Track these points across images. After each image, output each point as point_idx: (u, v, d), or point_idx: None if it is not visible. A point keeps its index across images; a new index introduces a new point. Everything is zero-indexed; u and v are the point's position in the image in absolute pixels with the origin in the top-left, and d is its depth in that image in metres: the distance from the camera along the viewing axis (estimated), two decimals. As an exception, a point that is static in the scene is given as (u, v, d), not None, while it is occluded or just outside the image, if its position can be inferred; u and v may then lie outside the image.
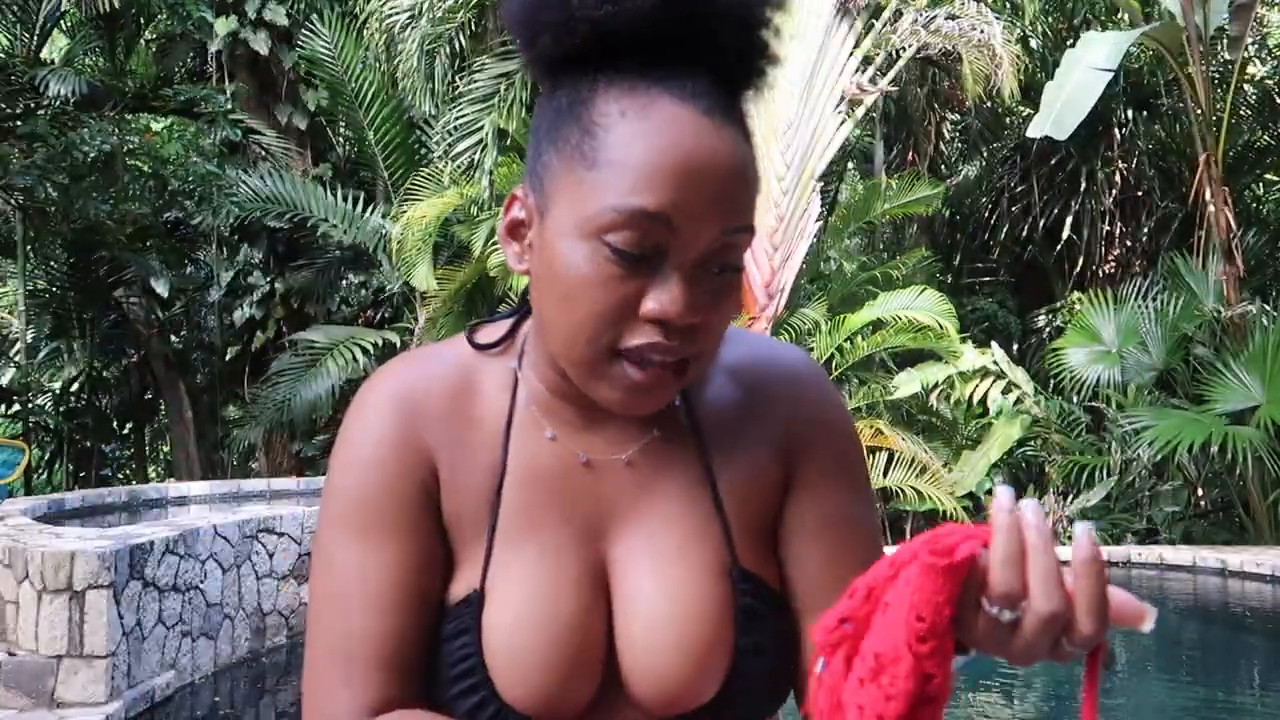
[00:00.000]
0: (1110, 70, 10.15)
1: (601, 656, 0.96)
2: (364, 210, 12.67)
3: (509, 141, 10.72)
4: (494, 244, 11.03)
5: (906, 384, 11.08)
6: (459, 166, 10.77)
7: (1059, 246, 14.45)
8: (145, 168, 10.68)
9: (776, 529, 1.02)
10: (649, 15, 0.86)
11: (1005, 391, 11.26)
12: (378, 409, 0.98)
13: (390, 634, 0.92)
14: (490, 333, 1.04)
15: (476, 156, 10.48)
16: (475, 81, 10.72)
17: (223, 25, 12.60)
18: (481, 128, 10.43)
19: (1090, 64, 10.07)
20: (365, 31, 12.09)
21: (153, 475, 16.02)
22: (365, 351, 12.42)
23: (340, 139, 14.09)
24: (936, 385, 11.23)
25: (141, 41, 12.63)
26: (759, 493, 1.01)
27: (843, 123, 10.36)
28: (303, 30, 12.49)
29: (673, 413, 1.01)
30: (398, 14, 11.00)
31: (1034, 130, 10.29)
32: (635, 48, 0.88)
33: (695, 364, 0.91)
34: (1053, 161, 14.44)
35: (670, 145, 0.85)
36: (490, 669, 0.94)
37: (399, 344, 12.88)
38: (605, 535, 0.98)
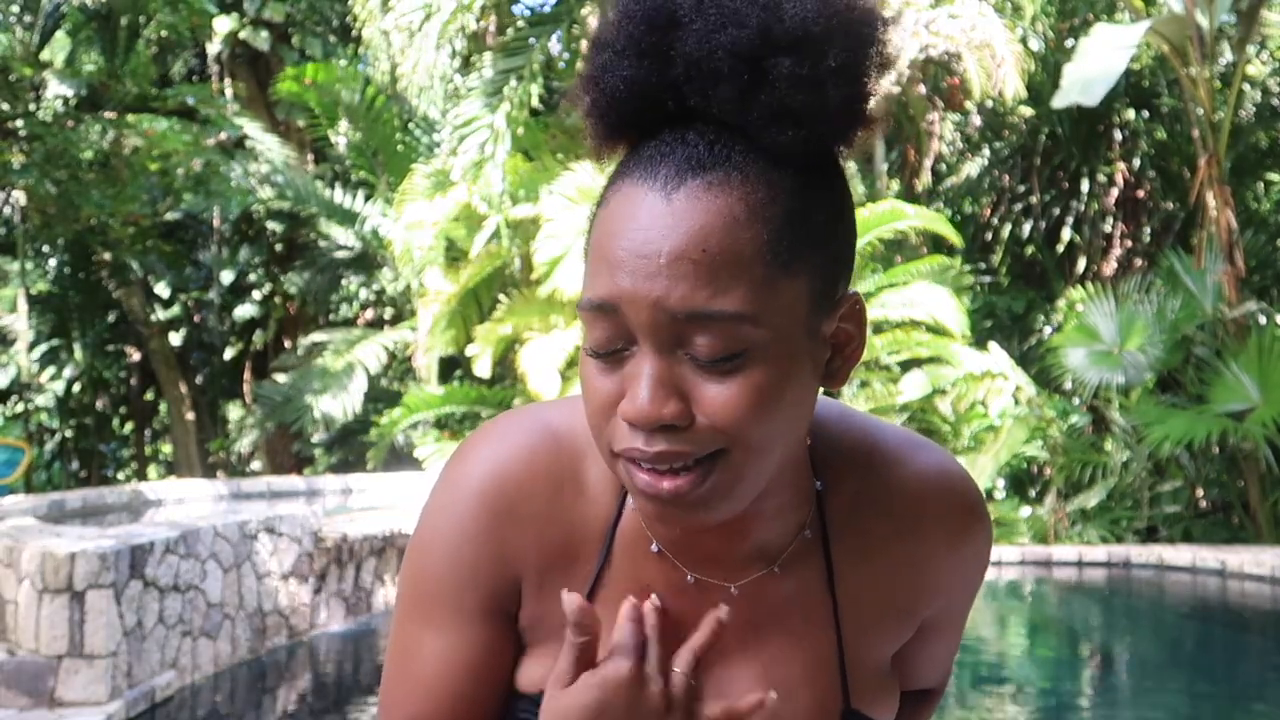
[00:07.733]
0: (1132, 48, 10.23)
1: None
2: (365, 205, 12.66)
3: (517, 135, 10.70)
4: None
5: (915, 387, 10.96)
6: (464, 165, 10.75)
7: (1059, 247, 14.45)
8: (150, 165, 10.69)
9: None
10: (625, 91, 0.80)
11: (1014, 395, 11.20)
12: (466, 501, 0.90)
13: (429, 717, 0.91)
14: None
15: (487, 150, 10.46)
16: (481, 77, 10.71)
17: (223, 24, 12.61)
18: (490, 123, 10.42)
19: (1110, 42, 10.20)
20: (364, 33, 12.09)
21: (153, 475, 16.03)
22: (371, 350, 12.43)
23: (342, 136, 14.10)
24: (947, 388, 11.13)
25: (141, 41, 12.65)
26: (889, 635, 0.96)
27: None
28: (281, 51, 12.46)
29: (799, 544, 0.91)
30: (412, 13, 11.01)
31: (1060, 101, 10.36)
32: (648, 121, 0.81)
33: (726, 463, 0.78)
34: (1054, 162, 14.43)
35: (615, 231, 0.78)
36: None
37: (399, 345, 12.88)
38: (702, 663, 0.91)
